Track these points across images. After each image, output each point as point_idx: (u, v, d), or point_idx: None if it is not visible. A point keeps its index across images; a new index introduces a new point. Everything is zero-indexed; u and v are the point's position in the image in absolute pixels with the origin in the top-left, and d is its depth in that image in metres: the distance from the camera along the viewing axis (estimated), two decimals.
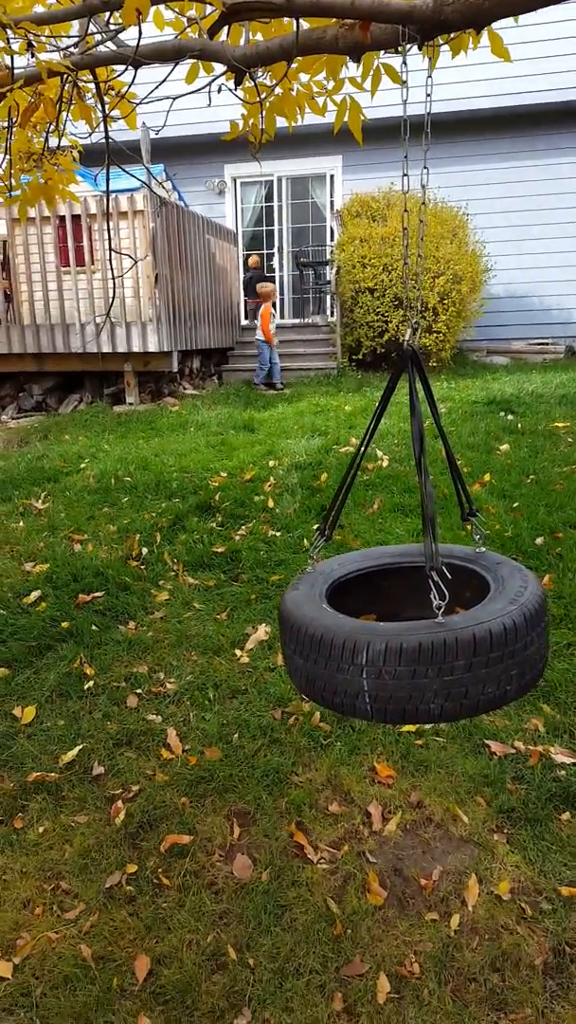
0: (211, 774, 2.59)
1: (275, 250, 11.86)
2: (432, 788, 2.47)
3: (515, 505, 4.41)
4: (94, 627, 3.52)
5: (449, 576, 1.43)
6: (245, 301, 11.48)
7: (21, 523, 4.74)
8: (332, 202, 11.42)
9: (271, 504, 4.73)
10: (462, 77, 8.62)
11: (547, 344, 10.55)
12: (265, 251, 11.89)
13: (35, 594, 3.79)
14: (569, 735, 2.66)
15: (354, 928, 2.00)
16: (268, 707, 2.93)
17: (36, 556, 4.23)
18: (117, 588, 3.85)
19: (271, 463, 5.48)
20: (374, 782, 2.53)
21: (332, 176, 11.38)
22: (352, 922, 2.02)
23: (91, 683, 3.13)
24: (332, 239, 10.90)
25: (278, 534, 4.33)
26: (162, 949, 1.97)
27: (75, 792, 2.55)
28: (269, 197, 11.77)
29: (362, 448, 1.77)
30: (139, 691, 3.08)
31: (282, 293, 11.81)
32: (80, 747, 2.75)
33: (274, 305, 9.63)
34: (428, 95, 1.65)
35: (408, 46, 1.58)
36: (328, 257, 11.01)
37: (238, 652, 3.30)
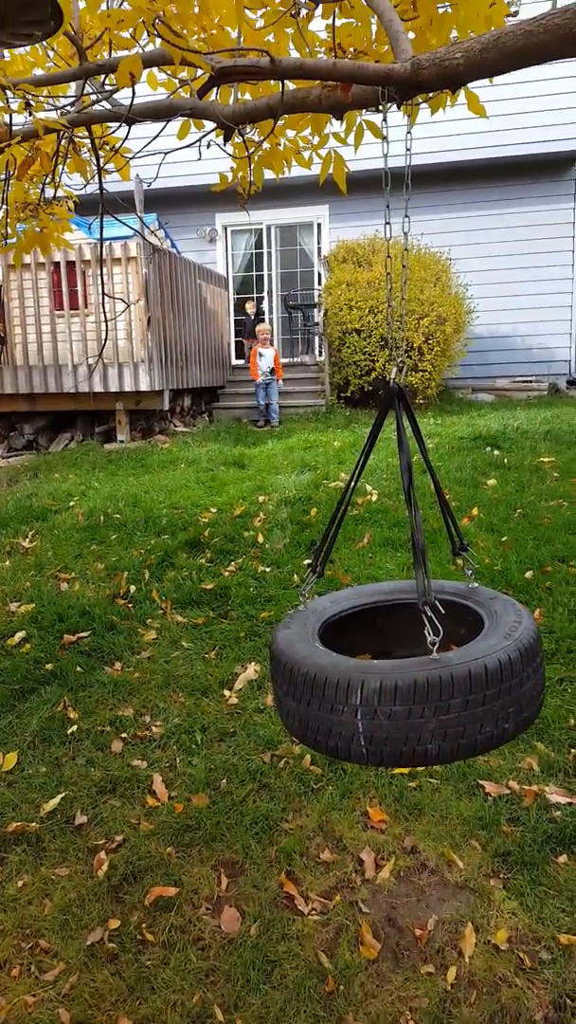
0: (198, 822, 2.53)
1: (265, 294, 12.07)
2: (426, 832, 2.43)
3: (503, 539, 4.43)
4: (79, 668, 3.47)
5: (443, 611, 1.42)
6: (240, 342, 11.66)
7: (7, 562, 4.71)
8: (319, 248, 11.66)
9: (261, 539, 4.73)
10: (445, 131, 8.88)
11: (531, 382, 10.72)
12: (255, 295, 12.10)
13: (19, 635, 3.75)
14: (564, 774, 2.64)
15: (347, 984, 1.94)
16: (257, 750, 2.89)
17: (21, 596, 4.20)
18: (103, 628, 3.82)
19: (261, 498, 5.49)
20: (367, 827, 2.48)
21: (319, 224, 11.65)
22: (344, 977, 1.96)
23: (75, 727, 3.08)
24: (320, 283, 11.10)
25: (268, 569, 4.32)
26: (145, 1011, 1.90)
27: (56, 843, 2.49)
28: (259, 244, 12.02)
29: (351, 484, 1.77)
30: (124, 735, 3.03)
31: (272, 334, 11.98)
32: (62, 795, 2.69)
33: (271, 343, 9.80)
34: (408, 149, 1.70)
35: (388, 105, 1.63)
36: (316, 300, 11.21)
37: (227, 692, 3.27)
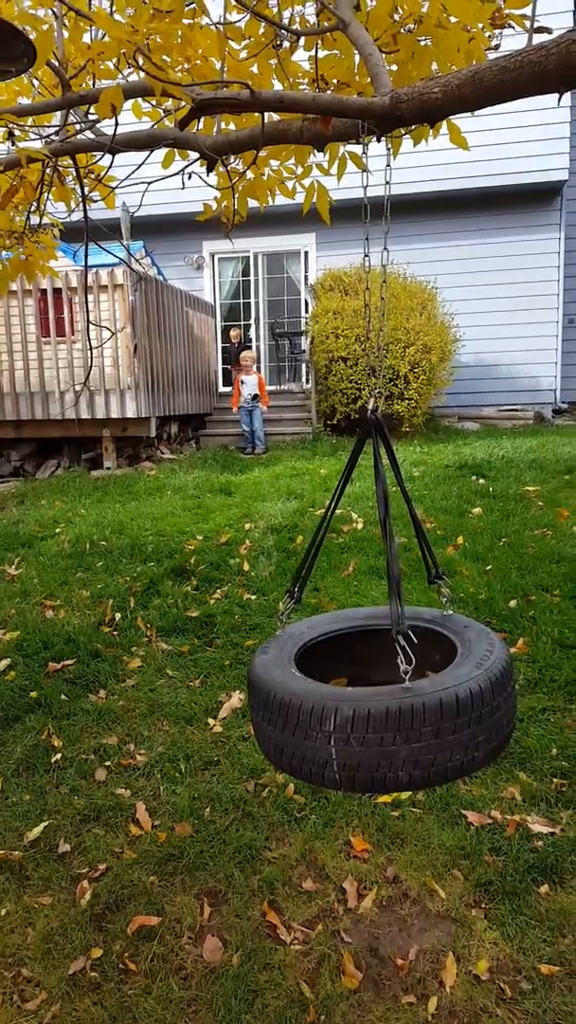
0: (181, 851, 2.50)
1: (252, 321, 12.20)
2: (408, 862, 2.41)
3: (488, 568, 4.44)
4: (63, 697, 3.44)
5: (416, 640, 1.43)
6: (227, 369, 11.75)
7: None
8: (306, 277, 11.82)
9: (246, 567, 4.72)
10: (432, 160, 9.08)
11: (516, 410, 10.84)
12: (242, 322, 12.23)
13: (4, 663, 3.71)
14: (546, 803, 2.62)
15: (328, 1014, 1.91)
16: (241, 779, 2.86)
17: (7, 623, 4.17)
18: (88, 655, 3.79)
19: (247, 526, 5.50)
20: (349, 857, 2.46)
21: (306, 252, 11.82)
22: (326, 1007, 1.93)
23: (59, 756, 3.04)
24: (307, 311, 11.23)
25: (253, 597, 4.31)
26: None
27: (39, 872, 2.45)
28: (246, 272, 12.17)
29: (329, 512, 1.79)
30: (108, 764, 3.00)
31: (259, 362, 12.09)
32: (46, 823, 2.65)
33: (256, 370, 9.89)
34: (387, 181, 1.74)
35: (368, 137, 1.67)
36: (303, 328, 11.33)
37: (211, 721, 3.24)
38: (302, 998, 1.96)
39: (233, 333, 11.48)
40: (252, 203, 2.57)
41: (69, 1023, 1.92)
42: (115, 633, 4.04)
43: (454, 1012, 1.90)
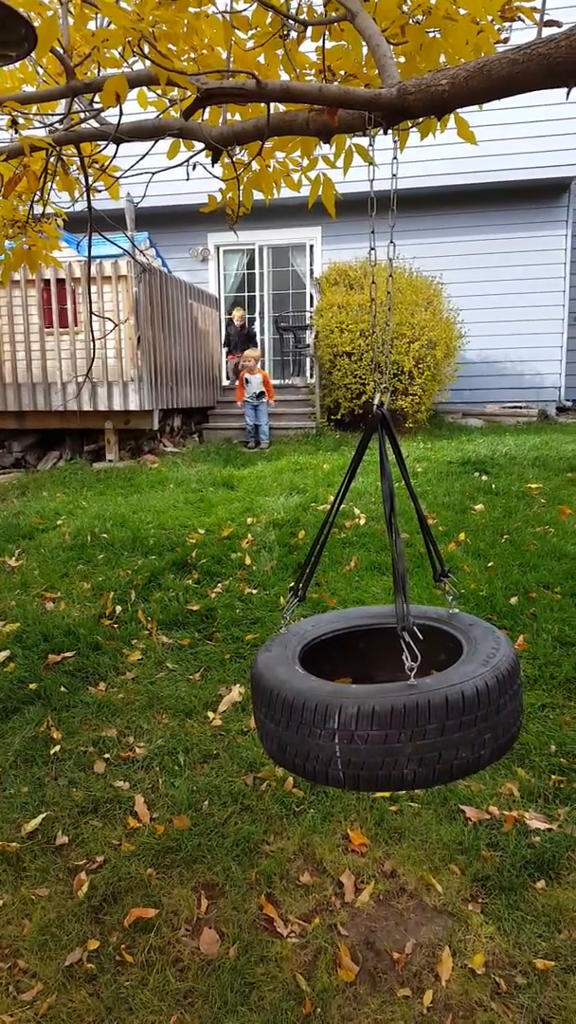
0: (179, 844, 2.50)
1: (256, 315, 12.16)
2: (406, 856, 2.41)
3: (489, 564, 4.44)
4: (63, 689, 3.44)
5: (421, 637, 1.42)
6: (230, 358, 11.68)
7: None
8: (312, 270, 11.78)
9: (248, 561, 4.72)
10: (438, 155, 9.03)
11: (520, 407, 10.80)
12: (247, 316, 12.18)
13: (3, 654, 3.72)
14: (544, 800, 2.62)
15: (324, 1007, 1.92)
16: (240, 772, 2.87)
17: (6, 615, 4.17)
18: (88, 648, 3.79)
19: (249, 520, 5.49)
20: (347, 851, 2.46)
21: (312, 246, 11.78)
22: (322, 1000, 1.93)
23: (58, 748, 3.04)
24: (311, 305, 11.19)
25: (254, 591, 4.31)
26: None
27: (37, 863, 2.45)
28: (251, 264, 12.13)
29: (333, 509, 1.78)
30: (107, 756, 3.00)
31: (263, 356, 12.06)
32: (44, 815, 2.66)
33: (260, 368, 9.85)
34: (394, 175, 1.73)
35: (375, 130, 1.66)
36: (308, 322, 11.29)
37: (210, 714, 3.24)
38: (298, 991, 1.96)
39: (237, 314, 11.15)
40: (257, 195, 2.56)
41: (65, 1014, 1.92)
42: (115, 626, 4.05)
43: (449, 1005, 1.91)
